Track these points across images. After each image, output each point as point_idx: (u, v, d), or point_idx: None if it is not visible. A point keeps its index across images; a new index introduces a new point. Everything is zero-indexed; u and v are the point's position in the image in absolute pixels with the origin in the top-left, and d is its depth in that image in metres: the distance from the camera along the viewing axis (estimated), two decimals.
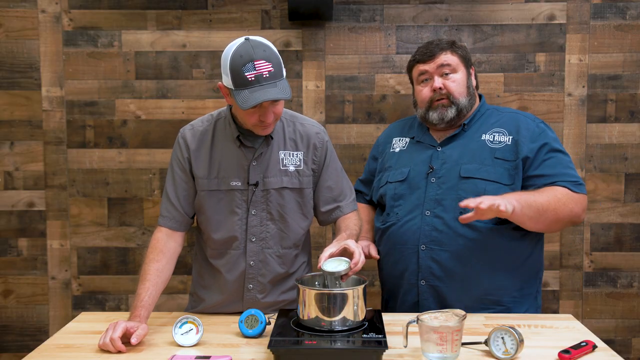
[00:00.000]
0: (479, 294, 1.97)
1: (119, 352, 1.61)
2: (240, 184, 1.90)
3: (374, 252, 2.09)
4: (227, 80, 1.75)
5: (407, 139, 2.18)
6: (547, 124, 2.07)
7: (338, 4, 2.72)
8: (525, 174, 1.97)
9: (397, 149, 2.18)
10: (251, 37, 1.75)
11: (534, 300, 2.07)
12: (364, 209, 2.28)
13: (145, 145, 2.78)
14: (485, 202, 1.74)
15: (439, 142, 2.09)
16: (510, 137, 2.02)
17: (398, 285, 2.06)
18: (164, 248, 1.89)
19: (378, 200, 2.18)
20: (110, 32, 2.74)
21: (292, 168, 1.93)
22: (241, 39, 1.75)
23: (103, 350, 1.63)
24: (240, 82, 1.70)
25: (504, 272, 1.98)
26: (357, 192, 2.31)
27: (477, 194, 1.92)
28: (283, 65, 1.77)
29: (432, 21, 2.74)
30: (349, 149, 2.78)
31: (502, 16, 2.72)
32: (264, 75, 1.70)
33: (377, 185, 2.20)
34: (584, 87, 2.73)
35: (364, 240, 2.14)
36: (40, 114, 2.77)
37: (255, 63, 1.69)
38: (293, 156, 1.94)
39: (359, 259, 1.67)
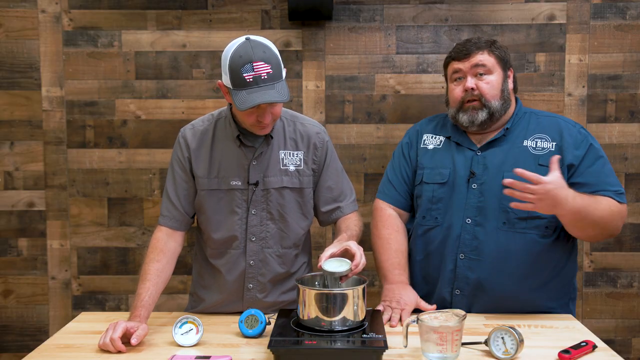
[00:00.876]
0: (516, 307, 1.94)
1: (119, 352, 1.61)
2: (240, 183, 1.90)
3: (426, 305, 1.92)
4: (226, 80, 1.75)
5: (442, 138, 2.09)
6: (586, 129, 2.02)
7: (338, 4, 2.72)
8: (569, 181, 1.90)
9: (431, 146, 2.09)
10: (252, 37, 1.75)
11: (568, 309, 2.02)
12: (399, 231, 2.08)
13: (145, 145, 2.78)
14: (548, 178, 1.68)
15: (478, 146, 2.01)
16: (554, 143, 1.95)
17: (429, 292, 2.00)
18: (164, 248, 1.89)
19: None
20: (110, 32, 2.74)
21: (292, 168, 1.93)
22: (242, 39, 1.74)
23: (103, 350, 1.63)
24: (238, 82, 1.70)
25: (542, 285, 1.95)
26: (387, 198, 2.13)
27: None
28: (283, 67, 1.77)
29: (432, 21, 2.74)
30: (349, 149, 2.78)
31: (502, 16, 2.72)
32: (262, 77, 1.69)
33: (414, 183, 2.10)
34: (584, 87, 2.73)
35: (403, 284, 1.97)
36: (40, 114, 2.77)
37: (254, 64, 1.69)
38: (293, 156, 1.94)
39: (360, 260, 1.67)
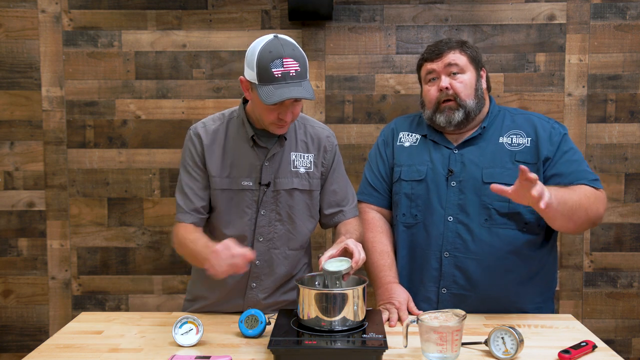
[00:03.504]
0: (503, 303, 1.95)
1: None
2: (251, 183, 1.90)
3: (414, 308, 1.94)
4: (251, 75, 1.74)
5: (418, 136, 2.10)
6: (557, 122, 2.05)
7: (338, 4, 2.72)
8: (545, 174, 1.95)
9: (407, 144, 2.10)
10: (280, 35, 1.76)
11: (551, 302, 2.06)
12: (383, 232, 2.08)
13: (145, 145, 2.78)
14: (537, 181, 1.63)
15: (455, 144, 2.03)
16: (529, 138, 1.98)
17: (413, 292, 2.00)
18: (196, 228, 1.89)
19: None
20: (110, 32, 2.74)
21: (302, 170, 1.93)
22: (270, 36, 1.76)
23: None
24: (266, 77, 1.70)
25: (528, 279, 1.96)
26: (369, 198, 2.14)
27: (502, 199, 1.88)
28: (308, 67, 1.77)
29: (432, 21, 2.74)
30: (349, 149, 2.78)
31: (502, 16, 2.72)
32: (291, 74, 1.70)
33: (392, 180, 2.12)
34: (584, 87, 2.73)
35: (392, 284, 1.99)
36: (40, 114, 2.77)
37: (284, 60, 1.70)
38: (304, 158, 1.94)
39: (359, 257, 1.67)
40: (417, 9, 2.73)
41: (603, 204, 1.93)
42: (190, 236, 1.85)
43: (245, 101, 1.94)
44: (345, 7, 2.73)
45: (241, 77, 1.81)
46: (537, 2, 2.71)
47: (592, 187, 1.92)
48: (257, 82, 1.72)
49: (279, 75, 1.69)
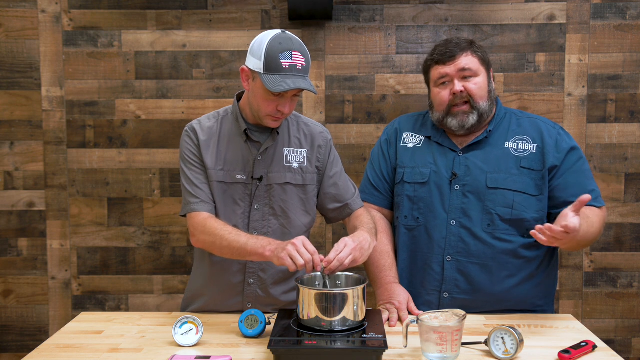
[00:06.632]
0: (505, 307, 1.95)
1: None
2: (245, 177, 1.91)
3: (414, 308, 1.92)
4: (256, 64, 1.77)
5: (422, 137, 2.08)
6: (563, 128, 2.02)
7: (338, 4, 2.72)
8: (550, 183, 1.94)
9: (410, 145, 2.08)
10: (287, 31, 1.81)
11: (552, 304, 2.06)
12: (383, 232, 2.08)
13: (145, 145, 2.78)
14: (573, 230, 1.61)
15: (460, 147, 2.00)
16: (535, 145, 1.96)
17: (414, 295, 1.99)
18: (219, 220, 1.88)
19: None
20: (110, 32, 2.74)
21: (295, 165, 1.95)
22: (277, 30, 1.80)
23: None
24: (273, 66, 1.74)
25: (531, 283, 1.96)
26: (370, 198, 2.14)
27: (506, 204, 1.89)
28: (310, 66, 1.82)
29: (432, 21, 2.74)
30: (349, 149, 2.78)
31: (502, 16, 2.72)
32: (298, 67, 1.76)
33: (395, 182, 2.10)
34: (584, 87, 2.73)
35: (393, 284, 1.98)
36: (40, 114, 2.77)
37: (293, 53, 1.75)
38: (297, 153, 1.96)
39: (333, 256, 1.66)
40: (417, 9, 2.73)
41: (604, 223, 1.96)
42: (227, 228, 1.83)
43: (239, 98, 1.96)
44: (345, 7, 2.73)
45: (243, 66, 1.84)
46: (537, 2, 2.71)
47: (598, 207, 1.92)
48: (262, 72, 1.76)
49: (287, 66, 1.74)
